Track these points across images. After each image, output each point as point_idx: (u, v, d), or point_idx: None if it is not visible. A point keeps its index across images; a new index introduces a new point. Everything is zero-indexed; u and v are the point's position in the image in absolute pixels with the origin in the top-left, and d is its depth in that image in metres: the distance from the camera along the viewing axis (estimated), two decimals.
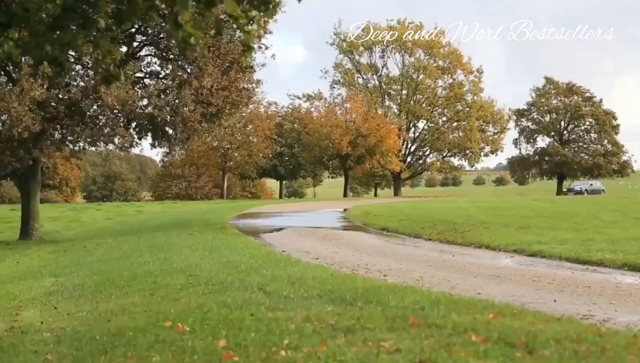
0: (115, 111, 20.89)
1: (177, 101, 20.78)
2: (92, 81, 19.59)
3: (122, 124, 21.41)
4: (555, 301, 8.03)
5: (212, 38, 17.04)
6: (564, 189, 62.91)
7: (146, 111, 21.07)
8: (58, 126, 21.02)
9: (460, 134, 66.29)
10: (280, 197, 73.04)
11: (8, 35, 4.67)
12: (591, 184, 59.07)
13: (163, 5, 3.93)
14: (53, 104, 20.49)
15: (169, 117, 21.00)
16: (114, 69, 4.55)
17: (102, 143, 22.52)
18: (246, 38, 3.98)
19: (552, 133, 68.04)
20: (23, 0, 4.48)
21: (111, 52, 4.47)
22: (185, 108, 20.63)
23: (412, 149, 69.20)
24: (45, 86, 19.05)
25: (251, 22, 3.85)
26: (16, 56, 4.99)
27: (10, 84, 20.29)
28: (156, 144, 22.80)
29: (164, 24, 15.27)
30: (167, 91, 21.37)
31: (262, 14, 3.96)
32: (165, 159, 23.78)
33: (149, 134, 22.33)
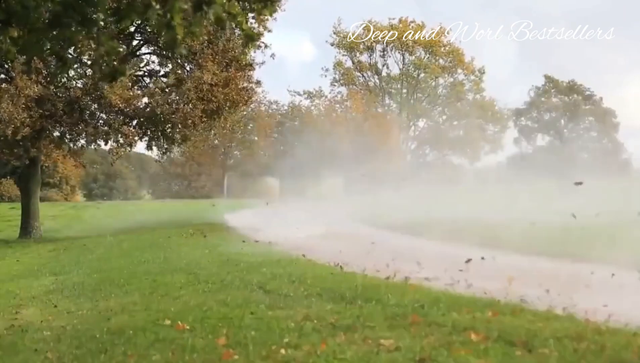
0: (115, 109, 20.85)
1: (177, 97, 20.74)
2: (91, 80, 19.54)
3: (121, 122, 21.36)
4: None
5: (210, 35, 16.99)
6: None
7: (147, 109, 21.02)
8: (57, 124, 20.99)
9: (461, 132, 66.25)
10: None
11: (7, 34, 4.67)
12: None
13: (158, 6, 3.92)
14: (50, 101, 20.45)
15: (169, 114, 20.93)
16: (118, 65, 4.55)
17: (102, 142, 22.48)
18: (247, 30, 3.98)
19: (552, 132, 67.99)
20: None
21: (115, 49, 4.47)
22: (186, 106, 20.58)
23: (413, 147, 69.16)
24: (41, 83, 18.99)
25: (250, 18, 3.86)
26: (13, 54, 4.99)
27: (7, 82, 20.25)
28: (153, 144, 22.54)
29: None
30: (167, 90, 21.32)
31: (261, 9, 3.96)
32: (163, 158, 23.59)
33: (147, 133, 22.23)
